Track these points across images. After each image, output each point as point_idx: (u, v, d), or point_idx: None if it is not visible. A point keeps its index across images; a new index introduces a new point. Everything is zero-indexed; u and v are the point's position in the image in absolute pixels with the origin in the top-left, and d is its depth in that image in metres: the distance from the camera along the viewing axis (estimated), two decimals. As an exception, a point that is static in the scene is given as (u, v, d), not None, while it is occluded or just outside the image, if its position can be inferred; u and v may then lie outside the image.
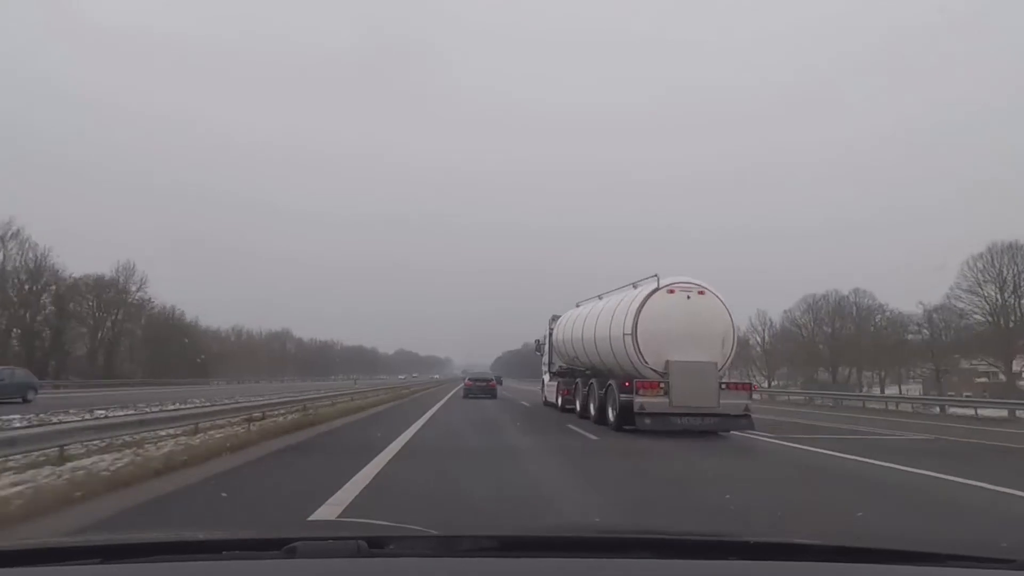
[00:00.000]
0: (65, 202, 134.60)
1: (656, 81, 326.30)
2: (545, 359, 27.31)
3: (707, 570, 1.59)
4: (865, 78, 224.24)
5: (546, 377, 27.59)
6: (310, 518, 6.03)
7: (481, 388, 36.31)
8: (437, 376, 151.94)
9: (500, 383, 49.78)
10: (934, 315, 53.26)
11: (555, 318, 25.04)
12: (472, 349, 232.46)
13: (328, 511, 6.36)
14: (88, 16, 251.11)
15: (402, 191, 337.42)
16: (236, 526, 4.95)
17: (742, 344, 40.94)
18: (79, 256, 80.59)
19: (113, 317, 63.07)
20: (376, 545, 1.65)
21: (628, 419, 15.40)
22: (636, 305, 15.97)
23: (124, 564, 1.62)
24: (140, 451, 9.81)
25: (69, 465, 8.26)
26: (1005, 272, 48.47)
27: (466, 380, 40.61)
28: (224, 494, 7.54)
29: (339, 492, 7.27)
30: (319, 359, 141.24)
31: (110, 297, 62.68)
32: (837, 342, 61.39)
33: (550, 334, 25.53)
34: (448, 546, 1.76)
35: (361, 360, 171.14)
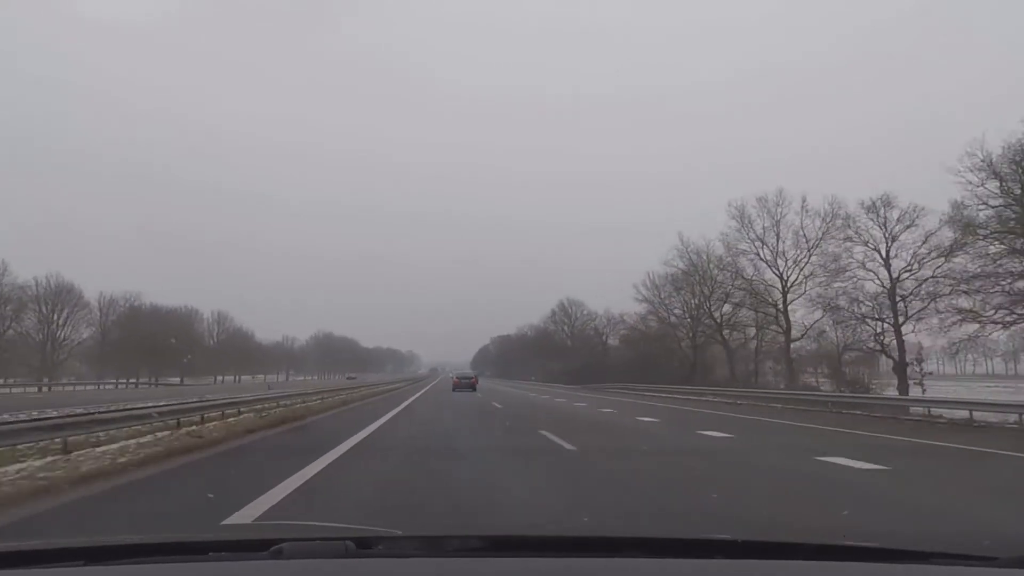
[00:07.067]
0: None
1: (637, 77, 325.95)
2: None
3: (695, 569, 1.60)
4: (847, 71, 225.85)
5: None
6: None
7: (465, 384, 47.75)
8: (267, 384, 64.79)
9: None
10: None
11: None
12: (447, 344, 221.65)
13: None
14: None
15: (367, 182, 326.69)
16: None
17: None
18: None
19: None
20: (364, 546, 1.65)
21: None
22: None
23: (108, 566, 1.60)
24: None
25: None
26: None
27: (453, 378, 52.62)
28: None
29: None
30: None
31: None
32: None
33: None
34: (436, 546, 1.76)
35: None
